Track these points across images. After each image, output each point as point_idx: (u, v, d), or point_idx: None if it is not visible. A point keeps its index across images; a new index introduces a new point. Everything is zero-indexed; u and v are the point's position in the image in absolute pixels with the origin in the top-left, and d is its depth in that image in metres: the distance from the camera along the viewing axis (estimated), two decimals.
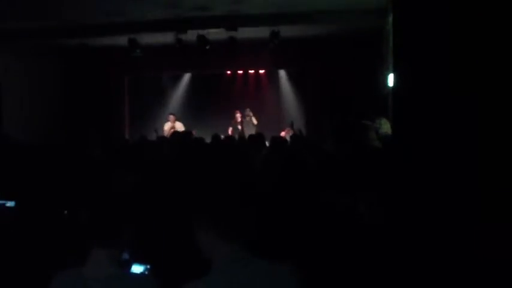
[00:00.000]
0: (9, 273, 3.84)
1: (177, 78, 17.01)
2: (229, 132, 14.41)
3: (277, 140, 7.44)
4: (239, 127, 14.36)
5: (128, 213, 2.41)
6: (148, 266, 2.83)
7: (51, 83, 14.57)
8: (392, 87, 9.21)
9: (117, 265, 2.34)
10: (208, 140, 8.23)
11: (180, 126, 14.54)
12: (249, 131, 13.07)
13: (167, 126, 14.61)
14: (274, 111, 15.79)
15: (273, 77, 16.60)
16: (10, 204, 4.60)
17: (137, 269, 2.79)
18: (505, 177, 3.80)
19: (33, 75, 13.87)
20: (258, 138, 7.78)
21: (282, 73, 16.50)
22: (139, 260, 2.78)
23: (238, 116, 14.68)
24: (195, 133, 11.19)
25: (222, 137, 9.11)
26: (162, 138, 8.57)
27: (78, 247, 2.38)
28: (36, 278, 2.47)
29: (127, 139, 12.80)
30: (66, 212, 4.35)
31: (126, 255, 2.52)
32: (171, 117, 14.91)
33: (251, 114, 14.64)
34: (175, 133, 8.44)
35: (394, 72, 9.16)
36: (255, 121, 14.53)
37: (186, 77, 16.99)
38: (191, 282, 2.20)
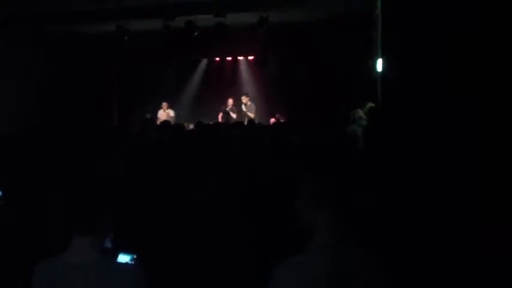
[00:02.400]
0: None
1: (166, 65, 16.89)
2: (219, 118, 14.37)
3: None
4: (233, 115, 14.27)
5: (110, 198, 2.37)
6: (134, 256, 2.77)
7: (38, 71, 14.40)
8: (381, 72, 9.23)
9: (99, 252, 2.31)
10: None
11: (172, 114, 14.73)
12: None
13: (160, 114, 14.71)
14: (264, 98, 15.71)
15: (262, 63, 16.51)
16: None
17: (123, 258, 2.74)
18: (486, 149, 3.82)
19: (21, 63, 13.71)
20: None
21: (272, 59, 16.42)
22: (122, 248, 2.74)
23: (230, 102, 14.61)
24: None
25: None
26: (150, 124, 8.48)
27: (60, 234, 2.33)
28: (21, 266, 2.42)
29: (115, 125, 12.76)
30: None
31: (108, 243, 2.48)
32: (164, 104, 15.06)
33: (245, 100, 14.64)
34: (165, 122, 8.45)
35: (382, 57, 9.20)
36: (247, 113, 14.43)
37: (175, 63, 16.88)
38: (282, 263, 2.24)
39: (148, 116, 11.99)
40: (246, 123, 10.95)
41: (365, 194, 3.92)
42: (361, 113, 7.99)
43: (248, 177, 4.45)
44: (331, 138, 6.35)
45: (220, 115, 14.54)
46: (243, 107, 14.52)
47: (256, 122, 11.33)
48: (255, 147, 5.45)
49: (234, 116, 14.27)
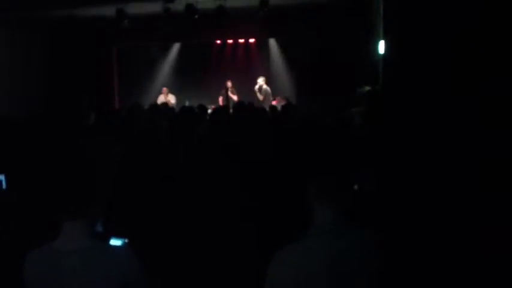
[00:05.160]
0: None
1: (166, 49, 16.84)
2: (220, 101, 14.34)
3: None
4: (234, 97, 14.19)
5: (100, 182, 2.34)
6: (126, 240, 2.75)
7: (38, 55, 14.41)
8: (383, 55, 9.20)
9: (90, 237, 2.28)
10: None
11: (172, 99, 14.60)
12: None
13: (160, 100, 14.55)
14: (265, 80, 15.67)
15: (263, 46, 16.46)
16: (0, 177, 4.56)
17: (115, 242, 2.72)
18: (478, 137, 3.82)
19: (20, 48, 13.70)
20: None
21: (272, 42, 16.37)
22: (114, 232, 2.72)
23: (229, 85, 14.54)
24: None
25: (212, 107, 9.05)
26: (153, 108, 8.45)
27: (50, 220, 2.29)
28: (22, 251, 2.42)
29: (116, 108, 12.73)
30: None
31: (99, 227, 2.43)
32: (164, 89, 14.97)
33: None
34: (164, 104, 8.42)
35: (384, 39, 9.15)
36: (260, 97, 14.32)
37: (175, 47, 16.83)
38: (286, 247, 2.26)
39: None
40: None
41: (365, 177, 3.95)
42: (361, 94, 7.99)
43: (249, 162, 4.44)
44: (330, 124, 6.33)
45: (220, 98, 14.49)
46: (258, 94, 14.39)
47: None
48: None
49: (234, 97, 14.21)
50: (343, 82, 12.21)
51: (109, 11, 12.42)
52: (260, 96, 14.25)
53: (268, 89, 14.42)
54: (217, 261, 3.61)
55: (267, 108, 9.99)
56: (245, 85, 14.73)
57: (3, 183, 4.54)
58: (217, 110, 7.38)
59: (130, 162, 4.60)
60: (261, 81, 14.47)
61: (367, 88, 8.06)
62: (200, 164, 4.25)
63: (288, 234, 2.40)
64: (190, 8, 12.11)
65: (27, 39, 13.98)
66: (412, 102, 5.23)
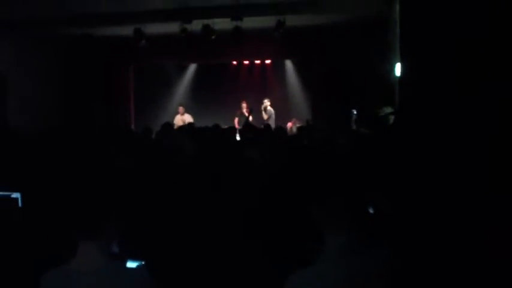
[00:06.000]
0: (10, 267, 3.81)
1: (183, 69, 16.94)
2: (235, 122, 14.32)
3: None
4: (250, 117, 14.21)
5: (115, 202, 2.33)
6: (142, 262, 2.73)
7: (56, 73, 14.57)
8: (399, 77, 9.15)
9: (107, 257, 2.28)
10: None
11: (189, 118, 14.56)
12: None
13: (176, 120, 14.57)
14: (281, 102, 15.67)
15: (279, 67, 16.49)
16: (15, 195, 4.54)
17: (131, 265, 2.70)
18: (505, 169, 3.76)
19: (38, 66, 13.84)
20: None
21: (288, 63, 16.40)
22: (129, 253, 2.70)
23: (244, 106, 14.56)
24: None
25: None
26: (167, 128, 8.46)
27: (67, 239, 2.29)
28: (35, 269, 2.40)
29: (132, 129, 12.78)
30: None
31: (115, 248, 2.44)
32: (180, 108, 14.94)
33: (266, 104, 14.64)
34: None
35: (401, 61, 9.11)
36: (264, 116, 14.41)
37: (192, 67, 16.91)
38: (298, 272, 2.22)
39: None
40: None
41: (379, 198, 3.92)
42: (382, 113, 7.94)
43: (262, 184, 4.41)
44: (344, 144, 6.30)
45: (236, 120, 14.49)
46: (263, 113, 14.49)
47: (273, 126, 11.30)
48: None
49: (250, 118, 14.20)
50: (358, 104, 12.16)
51: (127, 30, 12.55)
52: (265, 116, 14.40)
53: (272, 110, 14.54)
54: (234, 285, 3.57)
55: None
56: (260, 106, 14.73)
57: (19, 201, 4.52)
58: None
59: (150, 183, 4.58)
60: (266, 101, 14.62)
61: (389, 109, 8.01)
62: (221, 187, 4.24)
63: (299, 259, 2.36)
64: (207, 28, 12.19)
65: (46, 57, 14.15)
66: (427, 125, 5.16)
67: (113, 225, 2.31)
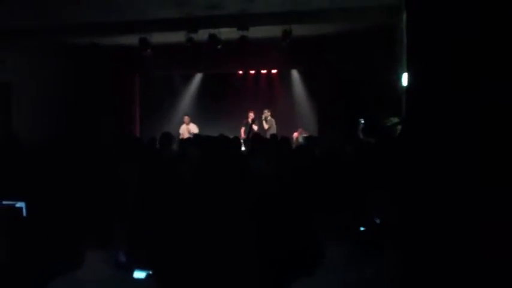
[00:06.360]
0: (15, 277, 3.77)
1: (188, 78, 16.92)
2: (242, 132, 14.26)
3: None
4: (255, 127, 14.17)
5: (122, 211, 2.34)
6: (150, 272, 2.69)
7: (62, 82, 14.58)
8: (406, 87, 9.08)
9: (113, 266, 2.26)
10: None
11: (194, 128, 14.56)
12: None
13: (182, 129, 14.60)
14: (287, 112, 15.62)
15: (285, 77, 16.44)
16: (20, 205, 4.51)
17: (139, 275, 2.67)
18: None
19: (44, 74, 13.88)
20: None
21: (295, 73, 16.35)
22: (136, 262, 2.67)
23: (251, 116, 14.53)
24: None
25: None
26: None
27: (73, 248, 2.30)
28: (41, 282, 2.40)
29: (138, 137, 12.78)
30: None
31: (122, 257, 2.43)
32: (186, 118, 14.94)
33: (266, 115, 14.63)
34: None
35: (407, 71, 9.04)
36: (265, 125, 14.45)
37: (197, 76, 16.90)
38: (299, 281, 2.23)
39: None
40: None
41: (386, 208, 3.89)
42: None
43: (268, 193, 4.37)
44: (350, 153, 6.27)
45: (242, 129, 14.42)
46: (264, 122, 14.51)
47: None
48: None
49: (255, 128, 14.17)
50: (365, 113, 12.10)
51: (132, 39, 12.56)
52: (266, 125, 14.41)
53: (273, 120, 14.58)
54: None
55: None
56: (261, 116, 14.67)
57: (23, 210, 4.49)
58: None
59: (157, 192, 4.55)
60: (266, 112, 14.65)
61: (396, 119, 7.96)
62: (229, 194, 4.21)
63: (299, 268, 2.36)
64: (213, 38, 12.18)
65: (52, 66, 14.17)
66: (434, 135, 5.09)
67: (119, 234, 2.31)
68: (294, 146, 9.25)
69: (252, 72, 16.49)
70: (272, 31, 12.08)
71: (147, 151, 6.89)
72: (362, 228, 3.22)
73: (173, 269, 3.50)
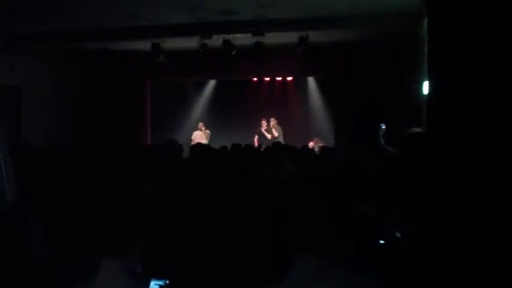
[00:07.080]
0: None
1: (201, 84, 16.79)
2: (255, 140, 14.05)
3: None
4: (268, 136, 13.97)
5: (139, 220, 2.33)
6: (167, 282, 2.64)
7: (73, 87, 14.63)
8: (427, 95, 8.81)
9: (131, 277, 2.24)
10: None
11: (206, 135, 14.58)
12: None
13: (195, 135, 14.58)
14: (302, 120, 15.40)
15: (300, 84, 16.26)
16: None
17: (156, 285, 2.63)
18: None
19: (55, 80, 13.93)
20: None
21: (311, 80, 16.12)
22: (153, 273, 2.61)
23: (264, 123, 14.29)
24: None
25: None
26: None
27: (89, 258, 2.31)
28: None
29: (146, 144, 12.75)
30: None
31: (138, 267, 2.36)
32: (200, 124, 14.93)
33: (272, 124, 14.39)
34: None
35: (428, 79, 8.77)
36: (275, 133, 14.19)
37: (211, 83, 16.74)
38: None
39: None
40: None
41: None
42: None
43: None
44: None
45: (255, 137, 14.22)
46: (273, 130, 14.29)
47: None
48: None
49: (268, 136, 13.99)
50: (383, 122, 11.84)
51: (145, 45, 12.44)
52: (275, 133, 14.16)
53: (279, 127, 14.39)
54: None
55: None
56: (281, 124, 14.48)
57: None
58: None
59: (171, 201, 4.49)
60: (273, 120, 14.42)
61: (417, 130, 7.71)
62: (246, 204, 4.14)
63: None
64: (227, 44, 12.00)
65: (62, 71, 14.23)
66: (455, 146, 4.91)
67: (135, 243, 2.31)
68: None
69: (267, 79, 16.27)
70: (288, 37, 11.92)
71: (160, 161, 6.78)
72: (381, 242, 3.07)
73: (190, 279, 3.48)
